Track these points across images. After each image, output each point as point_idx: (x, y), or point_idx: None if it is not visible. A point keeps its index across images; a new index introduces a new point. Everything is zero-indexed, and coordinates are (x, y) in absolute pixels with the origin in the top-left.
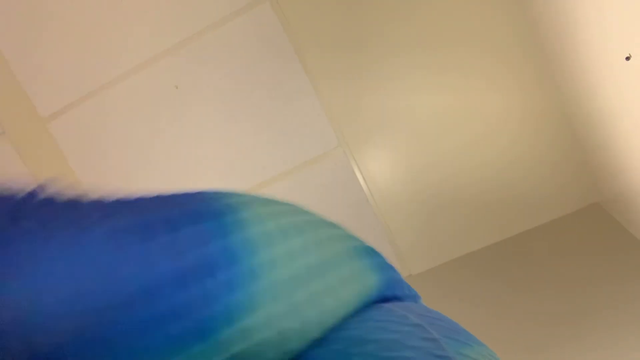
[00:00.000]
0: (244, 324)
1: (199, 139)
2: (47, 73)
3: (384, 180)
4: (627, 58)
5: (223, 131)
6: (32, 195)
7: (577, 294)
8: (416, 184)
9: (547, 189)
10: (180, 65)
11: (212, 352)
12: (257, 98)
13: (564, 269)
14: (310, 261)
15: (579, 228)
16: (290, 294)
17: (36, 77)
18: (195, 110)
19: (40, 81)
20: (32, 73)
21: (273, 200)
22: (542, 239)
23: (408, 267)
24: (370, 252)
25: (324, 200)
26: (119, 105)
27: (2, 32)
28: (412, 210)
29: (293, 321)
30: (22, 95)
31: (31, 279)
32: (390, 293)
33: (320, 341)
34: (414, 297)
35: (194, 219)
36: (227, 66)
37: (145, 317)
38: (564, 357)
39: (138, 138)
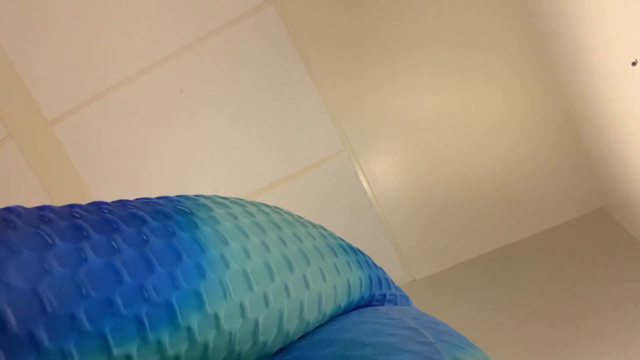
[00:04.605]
0: (215, 310)
1: (203, 142)
2: (53, 76)
3: (388, 183)
4: (634, 63)
5: (228, 134)
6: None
7: (582, 298)
8: (420, 187)
9: (552, 193)
10: (185, 68)
11: (182, 337)
12: (261, 101)
13: (570, 274)
14: (287, 252)
15: (584, 233)
16: (266, 284)
17: (42, 80)
18: (200, 113)
19: (46, 84)
20: (38, 76)
21: (252, 202)
22: (548, 244)
23: (412, 271)
24: (356, 251)
25: (327, 204)
26: (124, 108)
27: (8, 36)
28: (416, 213)
29: (270, 312)
30: (28, 98)
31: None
32: (380, 292)
33: (315, 342)
34: (406, 299)
35: (162, 214)
36: (232, 69)
37: (110, 297)
38: None
39: (143, 140)
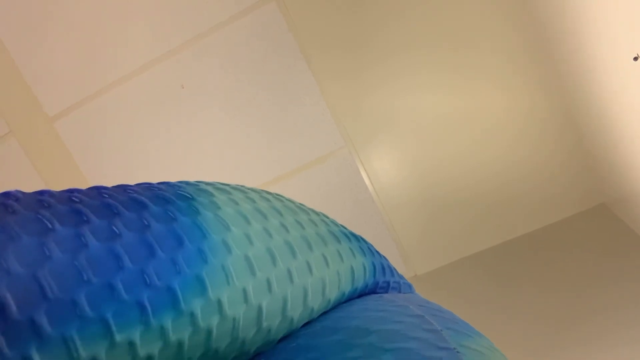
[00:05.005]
0: (217, 295)
1: (204, 138)
2: (54, 72)
3: (389, 180)
4: (635, 58)
5: (229, 130)
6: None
7: (583, 295)
8: (422, 184)
9: (553, 190)
10: (187, 64)
11: (185, 322)
12: (263, 97)
13: (570, 270)
14: (290, 238)
15: (585, 229)
16: (269, 270)
17: (43, 77)
18: (201, 109)
19: (47, 80)
20: (40, 72)
21: (253, 188)
22: (548, 240)
23: (413, 267)
24: (358, 238)
25: (329, 200)
26: (125, 103)
27: (9, 32)
28: (418, 210)
29: (273, 298)
30: (29, 94)
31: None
32: (384, 279)
33: (320, 330)
34: (409, 287)
35: (162, 199)
36: (233, 65)
37: (111, 282)
38: (571, 359)
39: (144, 136)
